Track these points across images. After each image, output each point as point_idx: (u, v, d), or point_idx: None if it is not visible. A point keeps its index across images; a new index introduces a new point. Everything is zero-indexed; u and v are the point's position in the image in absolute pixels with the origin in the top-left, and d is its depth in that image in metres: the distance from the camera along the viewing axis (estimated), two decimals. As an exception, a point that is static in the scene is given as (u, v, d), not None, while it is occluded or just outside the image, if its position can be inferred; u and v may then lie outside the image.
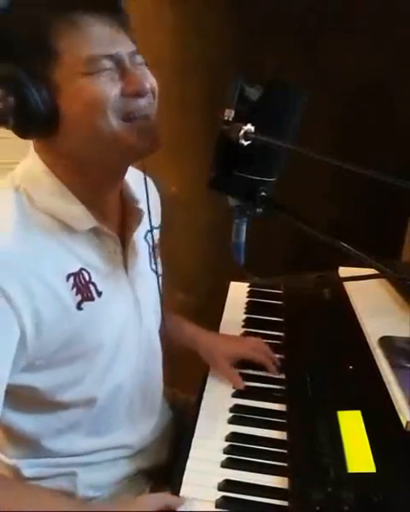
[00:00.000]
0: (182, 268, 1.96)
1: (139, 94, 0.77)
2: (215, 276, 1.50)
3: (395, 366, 0.95)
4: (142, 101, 0.78)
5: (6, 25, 0.73)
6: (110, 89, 0.75)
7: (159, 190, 1.06)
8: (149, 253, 0.99)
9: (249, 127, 0.71)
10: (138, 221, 0.91)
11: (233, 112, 0.73)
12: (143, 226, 0.94)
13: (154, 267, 0.99)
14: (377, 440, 0.84)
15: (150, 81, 0.79)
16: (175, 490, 0.82)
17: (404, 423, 0.84)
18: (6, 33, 0.73)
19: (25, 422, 0.88)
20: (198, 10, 1.62)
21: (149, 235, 0.99)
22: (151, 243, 0.99)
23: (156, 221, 1.03)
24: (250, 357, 1.11)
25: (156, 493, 0.88)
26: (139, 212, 0.91)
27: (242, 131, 0.71)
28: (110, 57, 0.75)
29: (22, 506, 0.77)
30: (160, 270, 1.02)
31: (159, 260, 1.02)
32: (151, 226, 0.98)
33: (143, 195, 0.92)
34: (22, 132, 0.77)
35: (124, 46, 0.77)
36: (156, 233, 1.02)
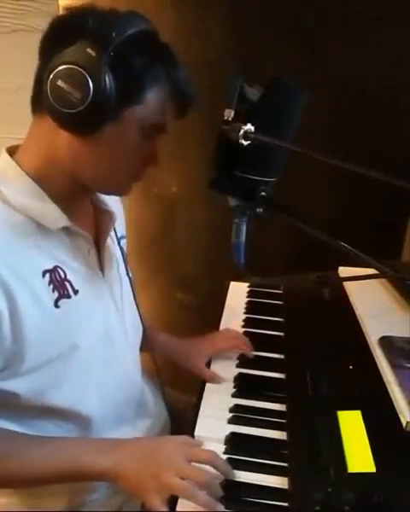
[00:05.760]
0: (182, 268, 1.96)
1: (153, 166, 0.86)
2: (215, 276, 1.50)
3: (395, 366, 0.95)
4: (147, 170, 0.86)
5: (128, 51, 0.74)
6: (142, 153, 0.83)
7: (122, 201, 1.08)
8: (124, 259, 1.01)
9: (249, 127, 0.71)
10: (111, 222, 0.94)
11: (233, 112, 0.73)
12: (116, 231, 0.99)
13: (128, 273, 1.02)
14: (377, 440, 0.84)
15: None
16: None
17: (404, 423, 0.84)
18: (126, 52, 0.73)
19: (10, 427, 0.86)
20: (198, 10, 1.62)
21: (122, 241, 1.03)
22: (124, 249, 1.02)
23: (121, 230, 1.05)
24: (225, 348, 1.15)
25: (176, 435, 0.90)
26: (111, 214, 0.95)
27: (242, 131, 0.70)
28: (164, 130, 0.83)
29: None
30: (132, 277, 1.04)
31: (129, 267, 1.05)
32: (117, 234, 1.00)
33: (110, 202, 0.97)
34: (68, 119, 0.75)
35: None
36: (124, 242, 1.05)
